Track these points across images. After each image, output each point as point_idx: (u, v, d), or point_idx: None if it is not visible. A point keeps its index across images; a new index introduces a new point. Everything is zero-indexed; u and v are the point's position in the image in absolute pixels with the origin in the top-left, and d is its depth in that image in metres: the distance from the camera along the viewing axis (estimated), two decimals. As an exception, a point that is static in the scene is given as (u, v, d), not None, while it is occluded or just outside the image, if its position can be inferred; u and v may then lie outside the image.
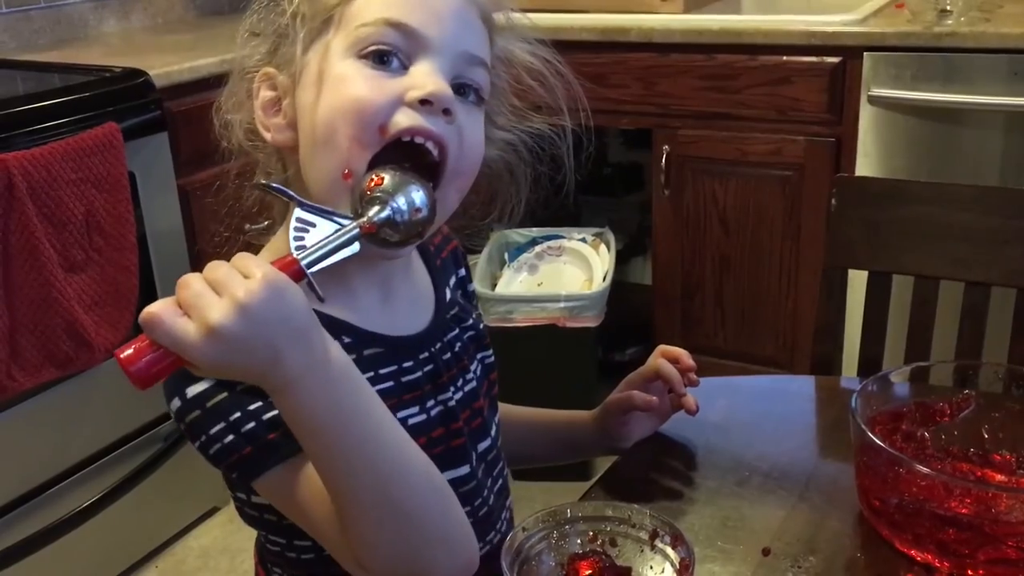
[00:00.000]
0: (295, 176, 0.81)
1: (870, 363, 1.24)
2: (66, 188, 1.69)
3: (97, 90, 1.83)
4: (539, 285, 2.35)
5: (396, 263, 0.84)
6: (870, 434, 0.83)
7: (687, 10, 2.27)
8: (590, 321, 2.18)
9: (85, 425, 1.87)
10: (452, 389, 0.86)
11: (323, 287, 0.68)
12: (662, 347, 1.03)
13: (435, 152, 0.76)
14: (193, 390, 0.74)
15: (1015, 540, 0.78)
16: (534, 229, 2.46)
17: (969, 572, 0.80)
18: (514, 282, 2.37)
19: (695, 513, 0.91)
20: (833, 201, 1.25)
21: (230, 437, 0.73)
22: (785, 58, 2.12)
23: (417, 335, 0.85)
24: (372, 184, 0.74)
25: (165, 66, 1.96)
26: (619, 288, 2.42)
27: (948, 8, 2.08)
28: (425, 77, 0.75)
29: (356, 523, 0.68)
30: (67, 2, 2.43)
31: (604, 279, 2.25)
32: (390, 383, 0.81)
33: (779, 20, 2.15)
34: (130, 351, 0.61)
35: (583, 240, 2.42)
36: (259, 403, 0.73)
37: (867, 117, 2.05)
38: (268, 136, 0.81)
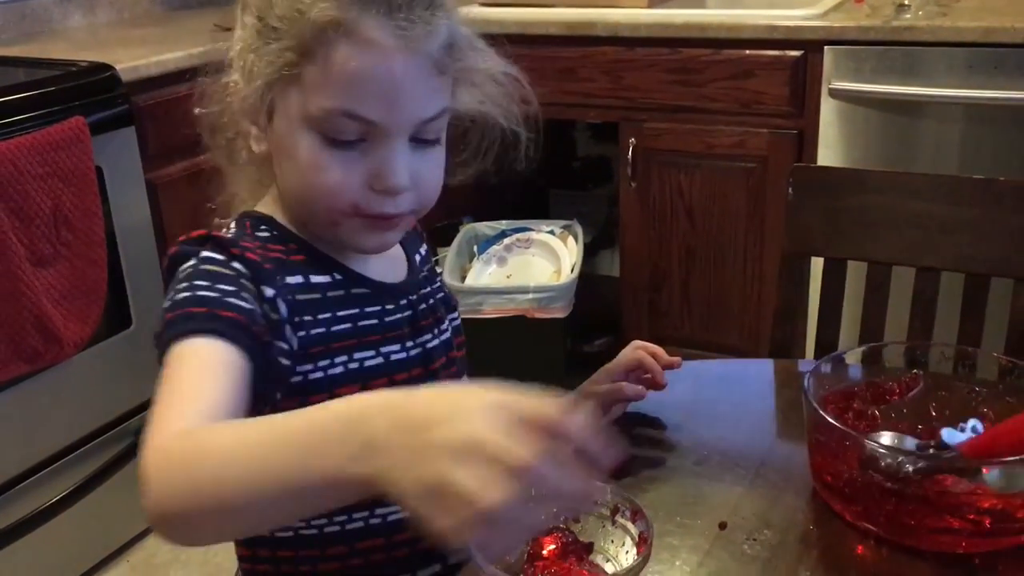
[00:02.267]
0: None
1: (826, 346, 1.27)
2: (33, 182, 1.69)
3: (63, 84, 1.83)
4: (508, 277, 2.37)
5: None
6: (822, 412, 0.86)
7: (652, 4, 2.30)
8: (558, 312, 2.21)
9: (54, 420, 1.87)
10: (430, 335, 0.91)
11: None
12: (638, 342, 1.06)
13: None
14: (208, 254, 0.78)
15: (959, 511, 0.82)
16: (503, 222, 2.49)
17: (915, 542, 0.83)
18: (483, 274, 2.39)
19: (655, 491, 0.93)
20: (790, 190, 1.28)
21: (203, 293, 0.75)
22: (748, 52, 2.15)
23: (397, 284, 0.91)
24: None
25: (132, 60, 1.96)
26: (587, 280, 2.45)
27: (906, 3, 2.12)
28: (385, 164, 0.80)
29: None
30: (32, -3, 2.42)
31: (572, 271, 2.28)
32: (374, 320, 0.86)
33: (742, 14, 2.18)
34: None
35: (551, 232, 2.44)
36: (246, 295, 0.76)
37: (828, 110, 2.09)
38: (245, 136, 0.86)
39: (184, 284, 0.76)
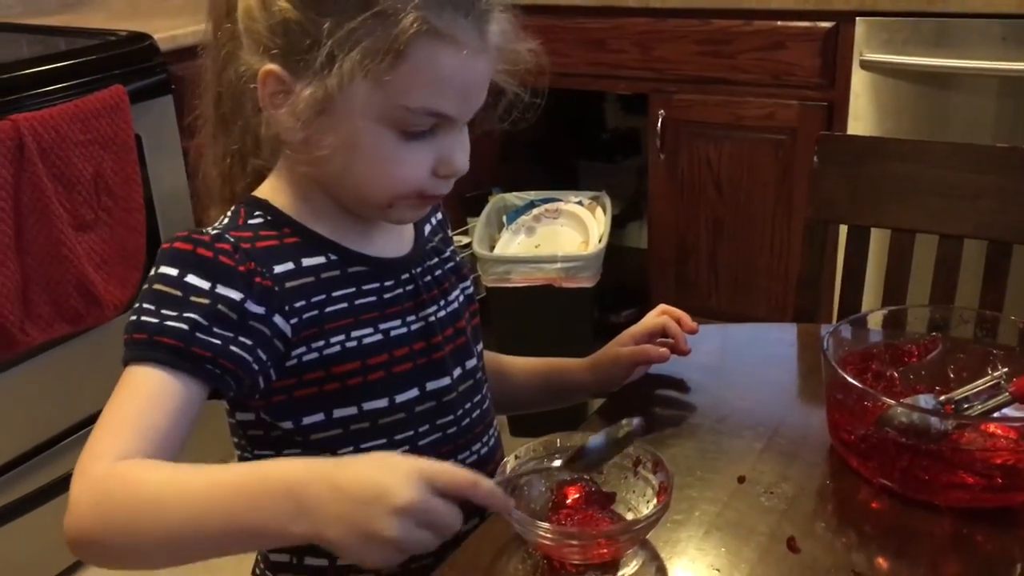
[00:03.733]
0: (298, 161, 0.85)
1: (849, 313, 1.29)
2: (75, 149, 1.73)
3: (103, 53, 1.87)
4: (536, 247, 2.40)
5: None
6: (839, 370, 0.88)
7: (683, -25, 2.30)
8: (586, 282, 2.23)
9: (95, 380, 1.92)
10: (434, 307, 0.92)
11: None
12: (664, 306, 1.09)
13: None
14: (166, 270, 0.79)
15: (972, 467, 0.84)
16: (532, 192, 2.51)
17: (929, 496, 0.85)
18: (512, 244, 2.42)
19: (678, 446, 0.96)
20: (816, 158, 1.29)
21: (145, 318, 0.77)
22: (779, 23, 2.15)
23: (398, 259, 0.91)
24: None
25: (170, 30, 2.00)
26: (615, 251, 2.47)
27: (940, -27, 2.11)
28: (452, 151, 0.83)
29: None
30: (72, -32, 2.46)
31: (600, 241, 2.30)
32: (372, 298, 0.87)
33: (773, -15, 2.18)
34: None
35: (580, 203, 2.46)
36: (188, 315, 0.77)
37: (859, 81, 2.08)
38: (273, 125, 0.83)
39: (136, 305, 0.79)
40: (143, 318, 0.78)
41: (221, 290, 0.78)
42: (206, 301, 0.78)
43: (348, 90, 0.78)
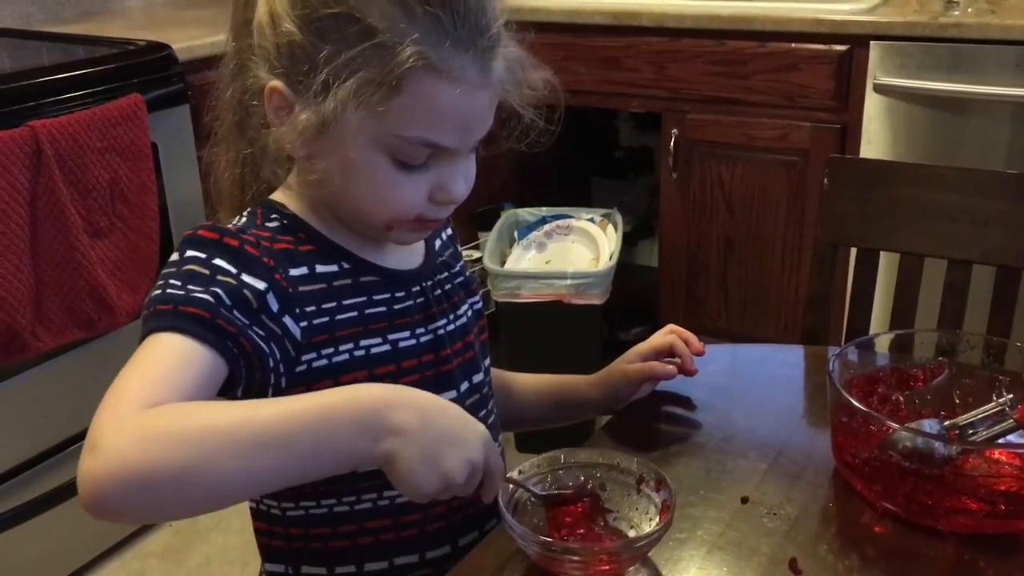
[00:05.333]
0: (305, 172, 0.85)
1: (856, 335, 1.29)
2: (92, 156, 1.75)
3: (122, 62, 1.90)
4: (547, 263, 2.41)
5: None
6: (845, 393, 0.89)
7: (698, -5, 2.32)
8: (595, 299, 2.24)
9: (107, 386, 1.92)
10: (443, 321, 0.93)
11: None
12: (673, 326, 1.09)
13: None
14: (193, 253, 0.79)
15: (976, 493, 0.84)
16: (543, 208, 2.52)
17: (932, 521, 0.85)
18: (523, 259, 2.43)
19: (682, 464, 0.97)
20: (826, 180, 1.30)
21: (171, 291, 0.77)
22: (793, 45, 2.16)
23: (409, 271, 0.92)
24: None
25: (188, 40, 2.02)
26: (626, 269, 2.47)
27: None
28: (450, 179, 0.84)
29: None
30: (93, -23, 2.49)
31: (610, 258, 2.30)
32: (382, 308, 0.88)
33: (788, 7, 2.19)
34: None
35: (591, 220, 2.47)
36: (215, 289, 0.77)
37: (872, 105, 2.09)
38: (279, 139, 0.83)
39: (159, 282, 0.78)
40: (168, 291, 0.76)
41: (246, 278, 0.79)
42: (233, 282, 0.78)
43: (343, 117, 0.78)
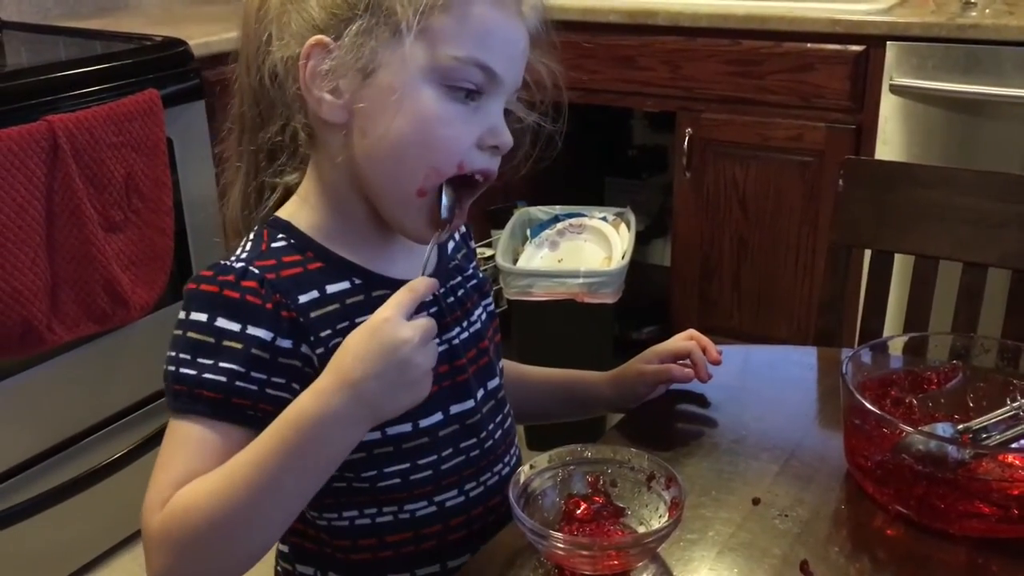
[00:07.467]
0: (333, 153, 0.84)
1: (870, 338, 1.28)
2: (107, 151, 1.76)
3: (138, 58, 1.91)
4: (559, 261, 2.41)
5: None
6: (858, 395, 0.88)
7: (714, -5, 2.31)
8: (608, 297, 2.24)
9: (120, 378, 1.95)
10: (457, 330, 0.92)
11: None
12: (693, 331, 1.09)
13: (482, 181, 0.86)
14: (196, 316, 0.80)
15: (988, 497, 0.84)
16: (556, 207, 2.52)
17: (944, 525, 0.85)
18: (535, 257, 2.43)
19: (694, 465, 0.96)
20: (841, 181, 1.29)
21: (184, 370, 0.79)
22: (809, 45, 2.15)
23: None
24: None
25: (204, 36, 2.03)
26: (639, 268, 2.47)
27: (972, 0, 2.11)
28: (499, 121, 0.83)
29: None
30: (111, -28, 2.50)
31: (623, 257, 2.30)
32: None
33: (804, 7, 2.18)
34: None
35: (604, 219, 2.47)
36: (224, 364, 0.79)
37: (888, 106, 2.08)
38: (315, 106, 0.82)
39: (171, 352, 0.81)
40: (181, 369, 0.79)
41: (251, 331, 0.80)
42: (239, 345, 0.79)
43: (395, 45, 0.79)
